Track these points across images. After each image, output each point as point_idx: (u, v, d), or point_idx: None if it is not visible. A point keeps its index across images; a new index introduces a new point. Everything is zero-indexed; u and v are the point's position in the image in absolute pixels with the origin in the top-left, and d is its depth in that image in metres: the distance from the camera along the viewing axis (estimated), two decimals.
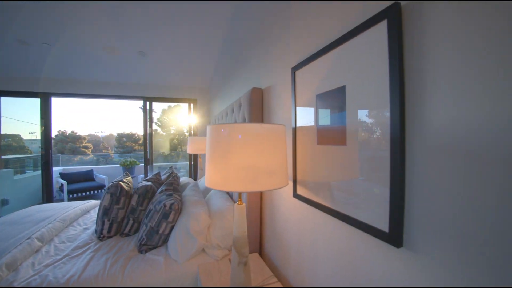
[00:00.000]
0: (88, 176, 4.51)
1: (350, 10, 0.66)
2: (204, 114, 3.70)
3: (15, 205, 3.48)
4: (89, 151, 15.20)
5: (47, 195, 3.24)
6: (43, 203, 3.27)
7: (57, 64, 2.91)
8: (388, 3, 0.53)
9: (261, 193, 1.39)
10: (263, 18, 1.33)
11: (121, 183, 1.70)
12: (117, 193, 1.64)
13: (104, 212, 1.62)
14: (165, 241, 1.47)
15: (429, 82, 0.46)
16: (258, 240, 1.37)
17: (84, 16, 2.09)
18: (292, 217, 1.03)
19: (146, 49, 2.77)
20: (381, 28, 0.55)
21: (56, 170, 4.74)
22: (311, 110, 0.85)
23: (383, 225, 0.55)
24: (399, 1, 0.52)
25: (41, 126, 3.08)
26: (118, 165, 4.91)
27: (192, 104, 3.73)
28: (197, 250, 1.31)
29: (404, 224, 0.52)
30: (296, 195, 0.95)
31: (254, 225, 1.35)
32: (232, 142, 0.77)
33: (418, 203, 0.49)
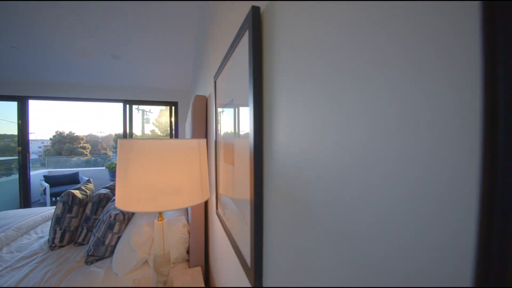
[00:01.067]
0: (73, 179, 4.49)
1: (239, 15, 0.61)
2: (184, 117, 3.66)
3: None
4: (87, 151, 15.25)
5: (25, 200, 3.21)
6: (20, 207, 3.26)
7: (33, 67, 2.89)
8: (252, 5, 0.47)
9: (205, 203, 1.34)
10: (207, 22, 1.28)
11: (75, 191, 1.67)
12: (69, 201, 1.60)
13: (56, 221, 1.59)
14: (113, 252, 1.43)
15: (274, 104, 0.41)
16: (203, 252, 1.32)
17: (52, 19, 2.06)
18: (218, 234, 0.98)
19: (121, 52, 2.73)
20: (247, 38, 0.49)
21: (41, 172, 4.74)
22: (223, 122, 0.80)
23: (249, 260, 0.50)
24: (261, 1, 0.46)
25: (18, 129, 3.06)
26: (104, 168, 4.90)
27: (173, 107, 3.70)
28: (138, 263, 1.27)
29: (263, 261, 0.46)
30: (217, 212, 0.90)
31: (199, 238, 1.30)
32: (131, 159, 0.73)
33: (272, 237, 0.43)
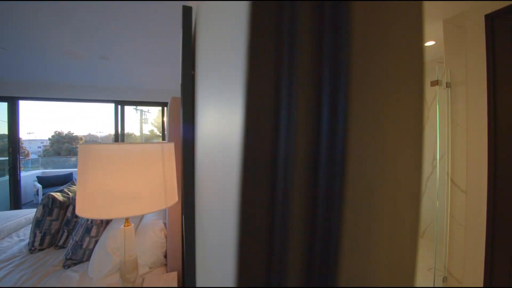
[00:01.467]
0: (67, 179, 4.48)
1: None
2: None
3: None
4: None
5: (15, 201, 3.20)
6: (10, 209, 3.25)
7: (22, 68, 2.88)
8: (183, 5, 0.45)
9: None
10: None
11: (56, 194, 1.65)
12: (49, 204, 1.59)
13: (36, 224, 1.57)
14: (90, 256, 1.41)
15: (199, 104, 0.39)
16: (180, 256, 1.30)
17: (43, 20, 2.04)
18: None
19: (112, 53, 2.71)
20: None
21: (35, 173, 4.72)
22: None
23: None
24: (193, 1, 0.43)
25: (8, 130, 3.05)
26: None
27: (164, 108, 3.68)
28: (113, 267, 1.25)
29: (196, 261, 0.44)
30: (182, 217, 0.87)
31: (176, 242, 1.28)
32: (88, 165, 0.71)
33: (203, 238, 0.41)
